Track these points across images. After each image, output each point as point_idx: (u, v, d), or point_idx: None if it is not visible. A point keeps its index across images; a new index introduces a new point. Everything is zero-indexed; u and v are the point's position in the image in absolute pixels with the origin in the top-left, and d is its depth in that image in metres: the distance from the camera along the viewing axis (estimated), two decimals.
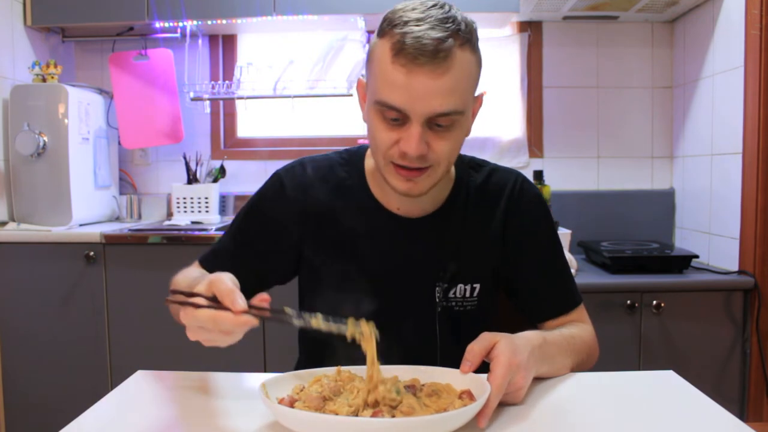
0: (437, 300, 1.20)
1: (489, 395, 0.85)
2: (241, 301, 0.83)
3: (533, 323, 1.27)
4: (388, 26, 1.02)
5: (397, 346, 1.07)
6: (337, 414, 0.83)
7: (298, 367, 1.33)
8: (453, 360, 1.02)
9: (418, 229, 1.21)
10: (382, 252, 1.20)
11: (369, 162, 1.24)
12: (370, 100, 1.08)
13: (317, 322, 0.85)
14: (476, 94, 1.11)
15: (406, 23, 0.99)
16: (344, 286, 1.19)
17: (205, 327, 0.84)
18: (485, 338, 0.96)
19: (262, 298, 0.87)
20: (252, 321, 0.83)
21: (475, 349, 0.94)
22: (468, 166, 1.28)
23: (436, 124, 1.03)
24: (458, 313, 1.21)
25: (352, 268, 1.20)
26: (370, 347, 0.86)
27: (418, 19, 0.99)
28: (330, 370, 0.94)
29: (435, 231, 1.21)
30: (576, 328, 1.20)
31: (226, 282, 0.85)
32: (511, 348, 0.93)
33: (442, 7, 1.02)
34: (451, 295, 1.20)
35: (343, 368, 0.94)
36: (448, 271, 1.19)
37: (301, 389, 0.90)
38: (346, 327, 0.86)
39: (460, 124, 1.06)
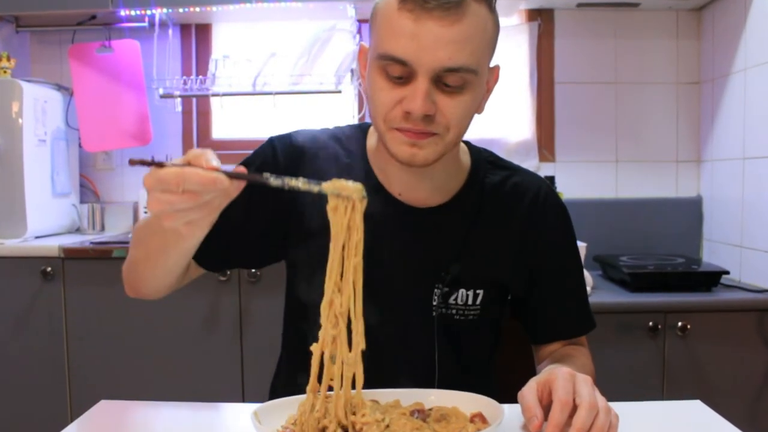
0: (434, 304, 1.19)
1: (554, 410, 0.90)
2: (214, 161, 0.82)
3: (535, 343, 1.31)
4: None
5: (387, 355, 1.08)
6: None
7: (280, 366, 1.34)
8: (451, 375, 1.03)
9: (420, 220, 1.20)
10: (375, 239, 1.14)
11: (372, 140, 1.24)
12: (372, 59, 1.09)
13: (296, 182, 0.84)
14: (491, 66, 1.12)
15: None
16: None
17: (169, 189, 0.80)
18: (533, 384, 0.97)
19: (239, 169, 0.86)
20: (222, 178, 0.80)
21: (530, 398, 0.95)
22: (486, 161, 1.27)
23: (444, 83, 1.03)
24: (458, 323, 1.20)
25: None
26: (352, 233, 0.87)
27: None
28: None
29: (440, 225, 1.20)
30: (582, 357, 1.23)
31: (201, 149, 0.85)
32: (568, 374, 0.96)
33: None
34: (451, 301, 1.20)
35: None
36: (450, 273, 1.18)
37: (294, 421, 0.91)
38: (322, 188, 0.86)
39: (473, 87, 1.06)
